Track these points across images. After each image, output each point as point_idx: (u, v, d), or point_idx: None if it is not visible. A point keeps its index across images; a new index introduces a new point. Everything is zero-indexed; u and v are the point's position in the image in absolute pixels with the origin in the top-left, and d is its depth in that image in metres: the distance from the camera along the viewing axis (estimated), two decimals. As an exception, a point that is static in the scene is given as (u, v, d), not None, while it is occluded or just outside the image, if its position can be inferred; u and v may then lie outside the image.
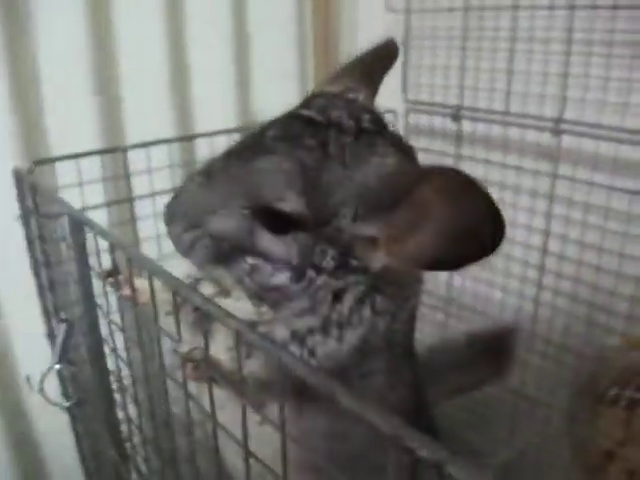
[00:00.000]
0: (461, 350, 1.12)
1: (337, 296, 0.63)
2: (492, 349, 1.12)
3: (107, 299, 0.72)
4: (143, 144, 1.07)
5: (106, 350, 0.79)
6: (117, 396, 0.84)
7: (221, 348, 0.63)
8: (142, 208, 1.11)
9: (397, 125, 1.09)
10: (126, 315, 0.71)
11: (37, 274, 1.00)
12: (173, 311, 0.57)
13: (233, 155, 0.62)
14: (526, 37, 1.21)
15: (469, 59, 1.31)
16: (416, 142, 1.28)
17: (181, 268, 0.71)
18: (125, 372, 0.77)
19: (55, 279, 0.94)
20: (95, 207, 1.06)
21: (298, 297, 0.62)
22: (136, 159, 1.08)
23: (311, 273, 0.61)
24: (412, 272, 0.68)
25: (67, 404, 0.97)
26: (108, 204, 1.14)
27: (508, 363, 1.13)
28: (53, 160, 1.04)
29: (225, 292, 0.70)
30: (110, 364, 0.80)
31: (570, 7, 1.11)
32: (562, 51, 1.15)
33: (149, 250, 1.09)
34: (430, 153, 1.37)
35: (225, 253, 0.61)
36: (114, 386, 0.83)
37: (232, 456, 0.70)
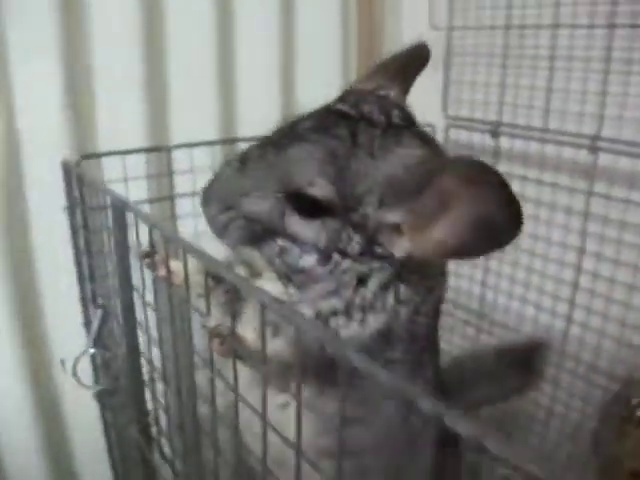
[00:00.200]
0: (490, 361, 1.12)
1: (361, 281, 0.65)
2: (521, 362, 1.12)
3: (143, 278, 0.76)
4: (187, 145, 1.11)
5: (139, 333, 0.82)
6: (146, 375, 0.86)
7: (248, 328, 0.65)
8: (183, 207, 1.14)
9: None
10: (159, 296, 0.74)
11: (79, 263, 1.04)
12: (204, 289, 0.60)
13: (269, 143, 0.65)
14: (565, 55, 1.22)
15: (509, 76, 1.32)
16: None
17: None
18: (155, 353, 0.80)
19: (95, 268, 0.97)
20: (137, 203, 1.09)
21: (324, 279, 0.65)
22: (180, 158, 1.11)
23: (337, 257, 0.64)
24: (434, 260, 0.69)
25: (98, 388, 1.01)
26: (150, 201, 1.17)
27: (536, 377, 1.12)
28: (100, 155, 1.09)
29: (256, 274, 0.73)
30: (142, 346, 0.83)
31: (610, 26, 1.12)
32: (601, 69, 1.16)
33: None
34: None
35: (257, 235, 0.64)
36: (144, 369, 0.86)
37: (254, 440, 0.72)
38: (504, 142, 1.34)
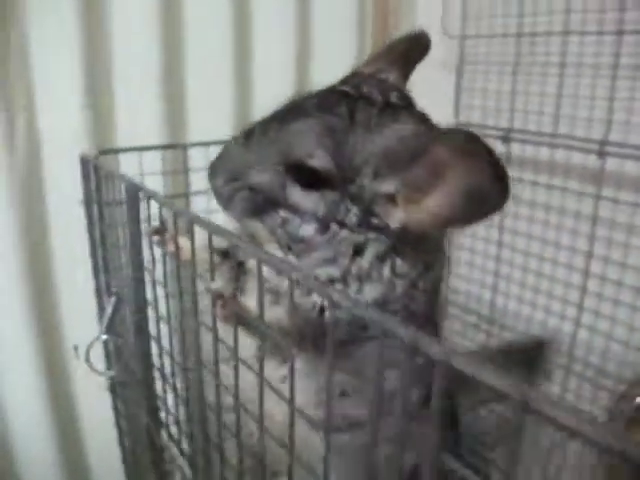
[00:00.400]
0: (493, 360, 1.13)
1: (358, 251, 0.68)
2: (523, 361, 1.13)
3: (152, 253, 0.78)
4: (203, 143, 1.13)
5: (149, 313, 0.85)
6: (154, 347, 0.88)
7: (251, 297, 0.67)
8: (197, 204, 1.16)
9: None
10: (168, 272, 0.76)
11: (94, 255, 1.07)
12: (209, 254, 0.63)
13: (272, 119, 0.69)
14: (575, 62, 1.25)
15: (520, 83, 1.34)
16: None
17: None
18: (163, 331, 0.83)
19: (109, 261, 1.00)
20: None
21: (322, 248, 0.68)
22: (195, 156, 1.14)
23: (335, 227, 0.67)
24: (429, 234, 0.71)
25: (110, 373, 1.03)
26: (166, 197, 1.20)
27: (537, 374, 1.13)
28: (118, 151, 1.13)
29: (259, 245, 0.75)
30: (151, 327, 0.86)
31: (618, 33, 1.14)
32: (609, 75, 1.18)
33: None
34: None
35: (260, 206, 0.67)
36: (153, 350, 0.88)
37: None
38: (515, 148, 1.36)
